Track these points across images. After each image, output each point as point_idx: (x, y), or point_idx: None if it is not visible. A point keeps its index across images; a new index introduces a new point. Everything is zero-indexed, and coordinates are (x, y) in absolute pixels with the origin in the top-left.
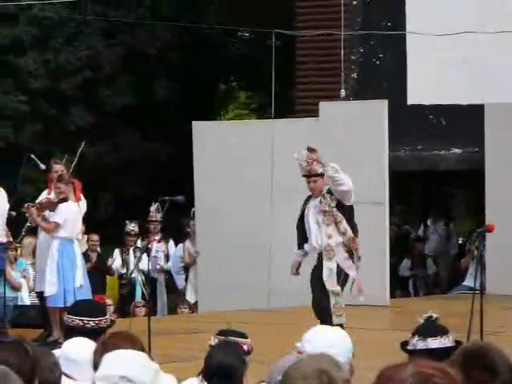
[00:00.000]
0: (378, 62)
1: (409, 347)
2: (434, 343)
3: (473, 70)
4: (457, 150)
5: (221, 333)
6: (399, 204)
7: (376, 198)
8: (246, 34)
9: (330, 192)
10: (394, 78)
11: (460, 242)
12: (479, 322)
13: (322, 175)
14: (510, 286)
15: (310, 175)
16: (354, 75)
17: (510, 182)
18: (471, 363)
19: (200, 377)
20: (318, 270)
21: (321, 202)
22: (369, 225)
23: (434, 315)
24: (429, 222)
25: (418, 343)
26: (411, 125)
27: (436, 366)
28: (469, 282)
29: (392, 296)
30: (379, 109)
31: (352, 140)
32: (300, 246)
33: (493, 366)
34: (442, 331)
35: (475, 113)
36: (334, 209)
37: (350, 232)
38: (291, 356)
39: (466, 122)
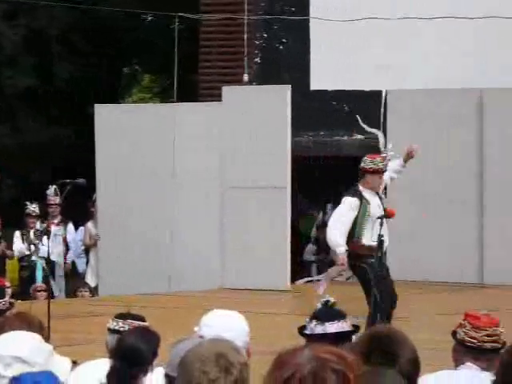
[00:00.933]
0: (281, 47)
1: (306, 332)
2: (332, 327)
3: (375, 57)
4: (359, 136)
5: (119, 316)
6: (302, 189)
7: (278, 183)
8: (149, 18)
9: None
10: (298, 64)
11: None
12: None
13: None
14: (415, 272)
15: (384, 171)
16: (258, 60)
17: (410, 170)
18: (372, 347)
19: (110, 360)
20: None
21: (381, 198)
22: (271, 209)
23: (332, 300)
24: (328, 208)
25: (316, 328)
26: (314, 110)
27: (333, 350)
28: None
29: (295, 280)
30: (282, 94)
31: (255, 125)
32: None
33: (393, 351)
34: (339, 316)
35: (377, 99)
36: None
37: None
38: (190, 340)
39: (368, 108)
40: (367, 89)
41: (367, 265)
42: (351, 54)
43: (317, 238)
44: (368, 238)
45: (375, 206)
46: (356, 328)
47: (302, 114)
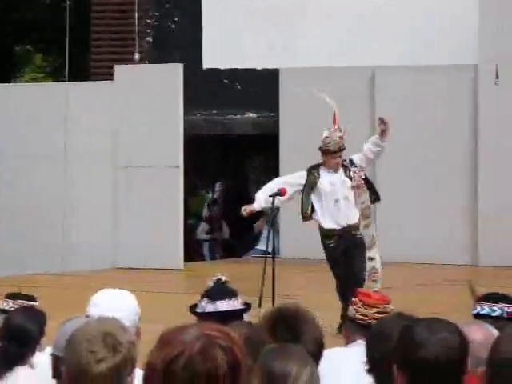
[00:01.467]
0: (173, 26)
1: (198, 310)
2: (223, 306)
3: (268, 35)
4: (252, 115)
5: (9, 296)
6: (195, 168)
7: (171, 162)
8: None
9: (352, 164)
10: (190, 42)
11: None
12: (271, 285)
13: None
14: (305, 251)
15: (339, 150)
16: (150, 39)
17: (303, 147)
18: (277, 324)
19: None
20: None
21: (351, 178)
22: (164, 189)
23: (223, 278)
24: (217, 187)
25: (207, 306)
26: (206, 89)
27: (219, 328)
28: (262, 245)
29: (189, 259)
30: (174, 72)
31: (147, 104)
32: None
33: (299, 328)
34: (230, 293)
35: (270, 78)
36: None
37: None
38: (76, 319)
39: (260, 86)
40: (259, 67)
41: (324, 247)
42: (244, 32)
43: (209, 217)
44: (325, 220)
45: (327, 184)
46: (248, 306)
47: (195, 93)
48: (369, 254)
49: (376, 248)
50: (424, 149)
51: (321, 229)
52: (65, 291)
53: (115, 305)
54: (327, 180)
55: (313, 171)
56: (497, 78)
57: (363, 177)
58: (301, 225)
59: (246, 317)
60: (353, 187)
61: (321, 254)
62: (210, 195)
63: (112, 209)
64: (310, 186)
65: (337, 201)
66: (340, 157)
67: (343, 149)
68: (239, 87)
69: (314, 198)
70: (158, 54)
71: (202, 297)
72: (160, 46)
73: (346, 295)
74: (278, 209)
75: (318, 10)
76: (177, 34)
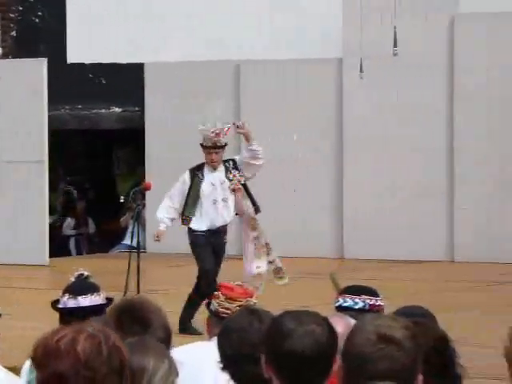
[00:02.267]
0: (37, 20)
1: (60, 306)
2: (85, 301)
3: (132, 28)
4: (117, 109)
5: None
6: (60, 163)
7: (36, 157)
8: None
9: (235, 167)
10: (54, 37)
11: (121, 200)
12: (136, 280)
13: (224, 147)
14: (170, 245)
15: (215, 147)
16: (13, 33)
17: (169, 140)
18: (123, 316)
19: None
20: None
21: (230, 180)
22: (28, 183)
23: (86, 273)
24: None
25: (69, 301)
26: (71, 84)
27: (76, 326)
28: (127, 240)
29: (54, 255)
30: (38, 67)
31: (11, 98)
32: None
33: (143, 319)
34: (92, 288)
35: (135, 72)
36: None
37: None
38: None
39: (125, 81)
40: (124, 62)
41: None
42: (108, 26)
43: (75, 213)
44: (197, 222)
45: (208, 183)
46: (110, 301)
47: (60, 88)
48: (268, 258)
49: (274, 252)
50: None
51: (189, 229)
52: None
53: None
54: (208, 180)
55: (197, 173)
56: (361, 71)
57: (242, 182)
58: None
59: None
60: (232, 190)
61: (185, 248)
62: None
63: None
64: (196, 189)
65: (215, 202)
66: (216, 153)
67: (219, 146)
68: (104, 82)
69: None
70: (21, 49)
71: (64, 292)
72: (24, 40)
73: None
74: (143, 204)
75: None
76: (41, 29)
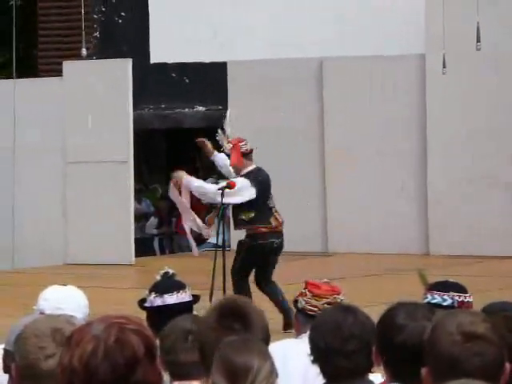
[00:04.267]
0: (120, 21)
1: (146, 304)
2: (171, 299)
3: (215, 27)
4: (200, 108)
5: None
6: (145, 163)
7: (120, 157)
8: None
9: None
10: (138, 37)
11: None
12: (222, 278)
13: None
14: None
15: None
16: (97, 34)
17: (254, 139)
18: (225, 315)
19: None
20: None
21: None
22: (114, 184)
23: (171, 271)
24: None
25: (156, 300)
26: (155, 84)
27: (121, 316)
28: (212, 239)
29: (138, 254)
30: (123, 67)
31: (96, 99)
32: None
33: (245, 318)
34: (178, 286)
35: (218, 70)
36: None
37: None
38: (29, 316)
39: (209, 79)
40: (207, 60)
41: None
42: (190, 25)
43: (158, 212)
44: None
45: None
46: (196, 298)
47: (143, 88)
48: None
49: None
50: (375, 140)
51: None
52: (15, 288)
53: (63, 299)
54: None
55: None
56: (444, 67)
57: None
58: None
59: (194, 310)
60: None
61: None
62: (160, 190)
63: (62, 204)
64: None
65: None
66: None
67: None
68: (187, 81)
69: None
70: (105, 50)
71: (150, 291)
72: (107, 41)
73: None
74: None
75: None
76: (124, 29)
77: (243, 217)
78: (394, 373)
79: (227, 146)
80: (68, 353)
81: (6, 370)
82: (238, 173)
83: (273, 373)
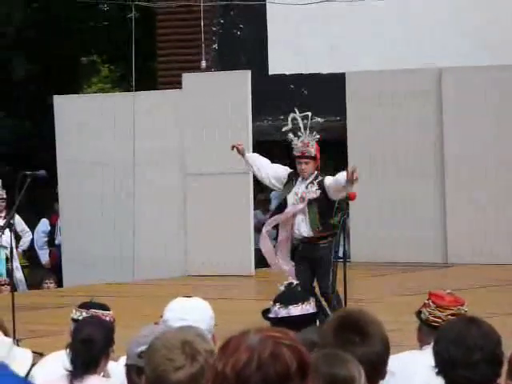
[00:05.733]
0: (238, 33)
1: (270, 315)
2: (296, 310)
3: (333, 39)
4: (319, 119)
5: (82, 305)
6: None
7: (240, 168)
8: (105, 7)
9: (318, 182)
10: (255, 49)
11: None
12: (343, 289)
13: (314, 159)
14: (374, 255)
15: (302, 156)
16: (215, 46)
17: (372, 150)
18: (343, 327)
19: (67, 350)
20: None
21: (307, 187)
22: (233, 195)
23: (295, 282)
24: None
25: (280, 311)
26: (273, 95)
27: (279, 329)
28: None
29: (259, 266)
30: (242, 79)
31: (216, 111)
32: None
33: (363, 330)
34: (303, 298)
35: (336, 82)
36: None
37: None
38: (152, 327)
39: (327, 90)
40: (324, 72)
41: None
42: (308, 37)
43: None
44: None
45: (292, 193)
46: (321, 309)
47: (262, 99)
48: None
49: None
50: (497, 150)
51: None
52: (137, 300)
53: (189, 309)
54: (295, 189)
55: (293, 178)
56: None
57: (315, 197)
58: (371, 229)
59: (318, 321)
60: (301, 198)
61: (390, 258)
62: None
63: (181, 216)
64: (286, 190)
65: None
66: (306, 163)
67: (308, 156)
68: (306, 92)
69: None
70: (223, 62)
71: (275, 302)
72: (226, 53)
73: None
74: (348, 214)
75: (379, 10)
76: (242, 41)
77: (331, 221)
78: None
79: (312, 150)
80: (222, 360)
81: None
82: (306, 177)
83: (366, 381)
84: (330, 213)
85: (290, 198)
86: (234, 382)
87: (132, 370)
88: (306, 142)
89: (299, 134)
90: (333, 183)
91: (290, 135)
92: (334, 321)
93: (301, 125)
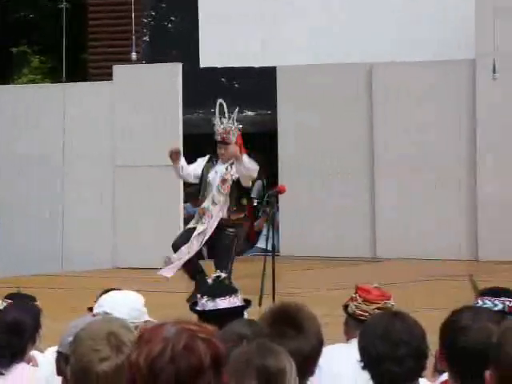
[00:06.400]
0: (170, 25)
1: (198, 308)
2: (223, 303)
3: (264, 33)
4: (249, 113)
5: (9, 296)
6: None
7: (170, 161)
8: None
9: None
10: (187, 42)
11: (255, 204)
12: (271, 283)
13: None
14: (304, 248)
15: (222, 142)
16: (146, 38)
17: (302, 144)
18: (278, 320)
19: None
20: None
21: (227, 169)
22: (163, 188)
23: (223, 275)
24: None
25: (207, 303)
26: (204, 88)
27: (196, 323)
28: (262, 243)
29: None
30: (173, 71)
31: (146, 103)
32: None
33: (298, 324)
34: (230, 291)
35: (267, 75)
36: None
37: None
38: (83, 318)
39: (258, 84)
40: (256, 65)
41: None
42: (239, 29)
43: None
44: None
45: (213, 172)
46: (248, 303)
47: (193, 92)
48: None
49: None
50: (424, 145)
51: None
52: (65, 292)
53: (119, 303)
54: (215, 168)
55: (213, 159)
56: (494, 72)
57: (233, 177)
58: (301, 222)
59: (245, 314)
60: (222, 179)
61: (316, 251)
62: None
63: (111, 209)
64: (206, 173)
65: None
66: (225, 149)
67: (227, 142)
68: (236, 86)
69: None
70: (154, 54)
71: (202, 294)
72: (157, 45)
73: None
74: (277, 207)
75: (313, 3)
76: (173, 34)
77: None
78: (459, 375)
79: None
80: (136, 350)
81: (59, 372)
82: (225, 161)
83: (295, 371)
84: (243, 195)
85: (211, 175)
86: (147, 372)
87: (61, 358)
88: (228, 129)
89: (223, 120)
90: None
91: (215, 119)
92: (271, 313)
93: (225, 111)
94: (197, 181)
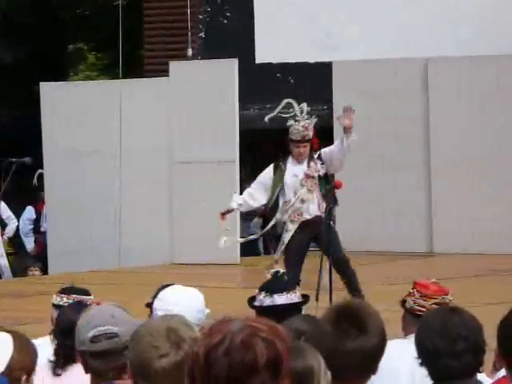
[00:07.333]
0: (225, 21)
1: (256, 303)
2: (281, 299)
3: (320, 28)
4: (305, 108)
5: (63, 291)
6: (250, 163)
7: (226, 157)
8: None
9: (318, 158)
10: (242, 37)
11: None
12: (329, 278)
13: (312, 141)
14: (360, 243)
15: (303, 140)
16: (202, 34)
17: (358, 139)
18: (341, 318)
19: (51, 337)
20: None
21: (309, 166)
22: (220, 184)
23: (281, 270)
24: None
25: (265, 299)
26: (260, 84)
27: (266, 322)
28: None
29: (243, 255)
30: (229, 67)
31: (202, 99)
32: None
33: (361, 322)
34: (288, 287)
35: (323, 70)
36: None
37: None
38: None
39: (314, 79)
40: (312, 60)
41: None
42: (296, 25)
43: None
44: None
45: (290, 175)
46: (305, 299)
47: (248, 88)
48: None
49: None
50: (480, 139)
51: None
52: (122, 287)
53: (178, 300)
54: (290, 171)
55: (280, 164)
56: None
57: (320, 173)
58: (358, 217)
59: (303, 310)
60: (306, 176)
61: (373, 246)
62: None
63: (168, 205)
64: (279, 179)
65: (295, 193)
66: (305, 147)
67: (308, 139)
68: (292, 81)
69: (281, 192)
70: (210, 50)
71: (260, 290)
72: (212, 41)
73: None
74: (337, 201)
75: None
76: (229, 30)
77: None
78: None
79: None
80: (200, 342)
81: (87, 370)
82: (302, 160)
83: (326, 369)
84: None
85: (289, 179)
86: (203, 362)
87: (86, 356)
88: (307, 126)
89: (297, 118)
90: (333, 148)
91: (290, 121)
92: (333, 311)
93: (297, 109)
94: (265, 198)
